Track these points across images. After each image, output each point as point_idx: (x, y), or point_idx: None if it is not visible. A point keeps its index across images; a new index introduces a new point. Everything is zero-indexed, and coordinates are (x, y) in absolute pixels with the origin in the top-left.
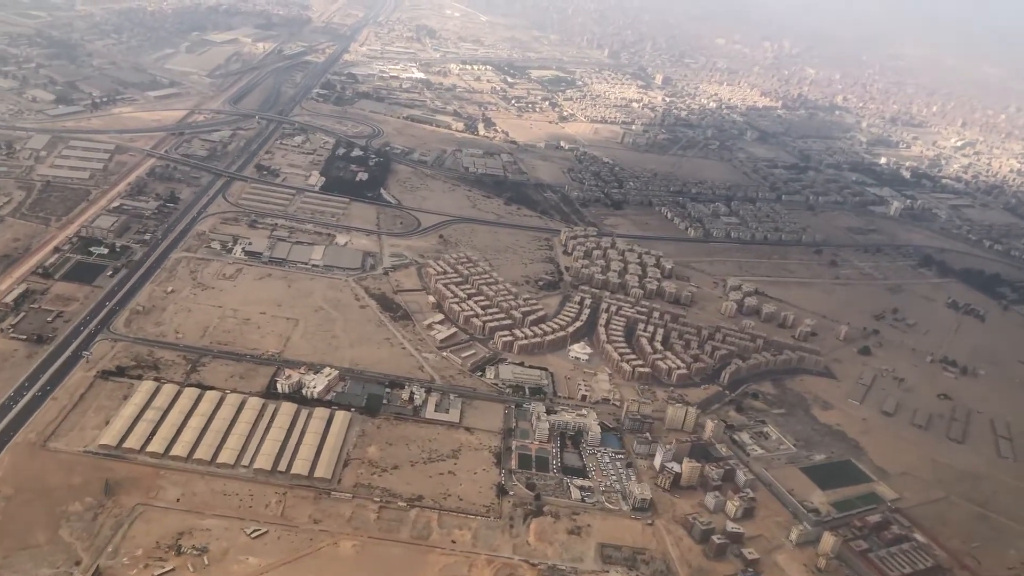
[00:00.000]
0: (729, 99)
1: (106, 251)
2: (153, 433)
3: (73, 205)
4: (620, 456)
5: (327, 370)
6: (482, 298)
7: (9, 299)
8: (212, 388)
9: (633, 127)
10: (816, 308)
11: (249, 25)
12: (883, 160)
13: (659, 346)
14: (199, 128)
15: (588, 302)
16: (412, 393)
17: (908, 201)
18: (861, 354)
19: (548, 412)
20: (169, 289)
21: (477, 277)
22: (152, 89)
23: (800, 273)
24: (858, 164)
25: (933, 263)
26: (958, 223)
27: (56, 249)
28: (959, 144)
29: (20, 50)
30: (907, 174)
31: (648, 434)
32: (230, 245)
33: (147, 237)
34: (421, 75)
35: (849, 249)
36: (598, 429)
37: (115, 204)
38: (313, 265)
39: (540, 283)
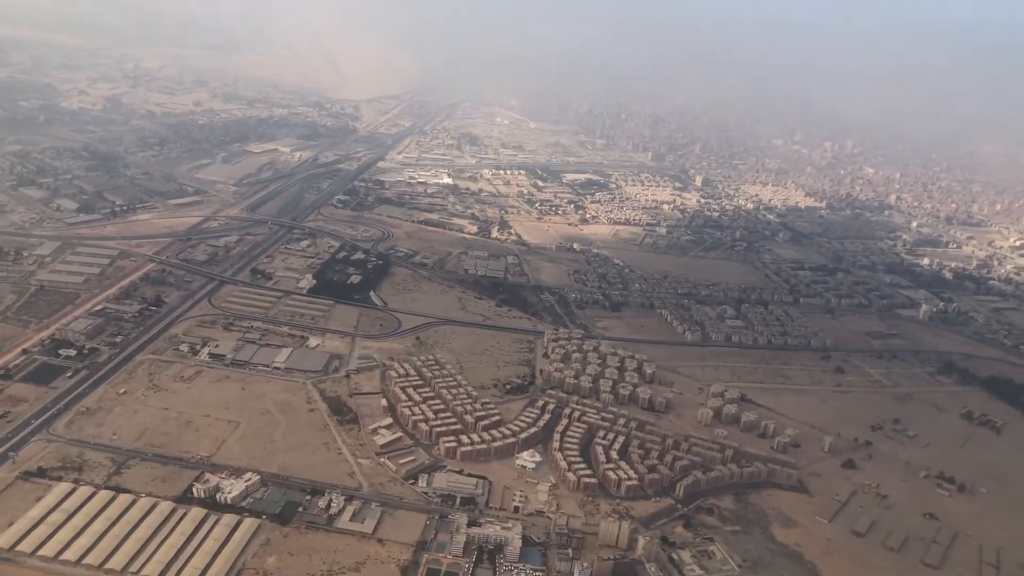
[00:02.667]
0: (770, 200)
1: (74, 353)
2: (51, 536)
3: (59, 308)
4: (539, 573)
5: (248, 475)
6: (438, 402)
7: None
8: (128, 491)
9: (657, 229)
10: (807, 417)
11: (293, 136)
12: (925, 261)
13: (615, 455)
14: (208, 234)
15: (551, 407)
16: (331, 501)
17: (942, 304)
18: (844, 467)
19: (471, 524)
20: (122, 391)
21: (439, 380)
22: (176, 198)
23: (799, 380)
24: (896, 265)
25: (955, 370)
26: (996, 327)
27: (25, 351)
28: (1019, 243)
29: (63, 163)
30: (949, 275)
31: (570, 550)
32: (198, 348)
33: (118, 340)
34: (449, 180)
35: (862, 355)
36: (519, 543)
37: (99, 307)
38: (274, 368)
39: (507, 387)
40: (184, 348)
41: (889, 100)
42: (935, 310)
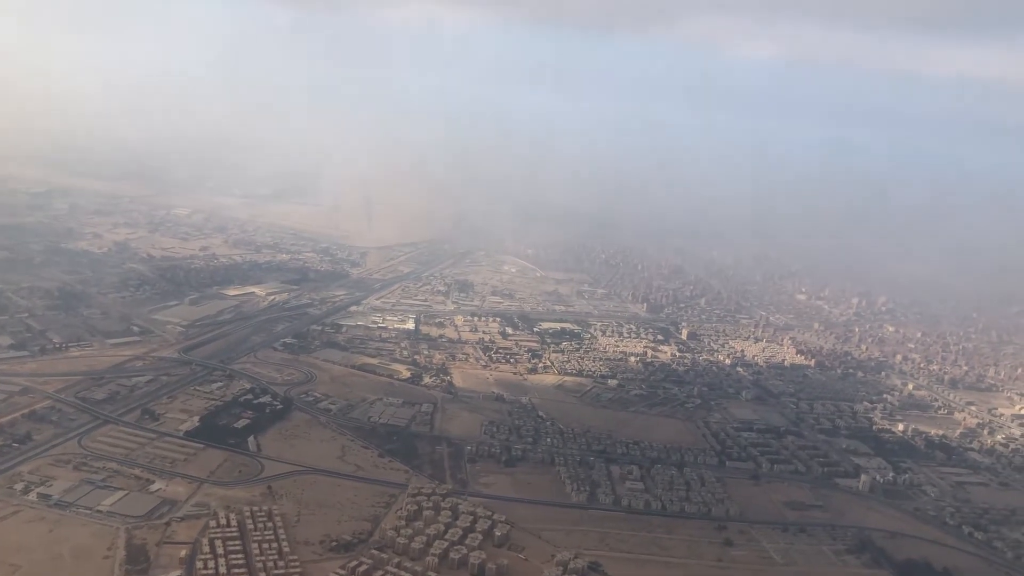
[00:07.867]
0: (753, 356)
1: None
2: None
3: None
4: None
5: None
6: (240, 556)
7: None
8: None
9: (608, 381)
10: None
11: (279, 280)
12: (900, 427)
13: None
14: (123, 373)
15: (363, 569)
16: None
17: (891, 475)
18: None
19: None
20: None
21: (256, 533)
22: (119, 337)
23: (676, 551)
24: (862, 430)
25: (869, 549)
26: (945, 503)
27: None
28: (1023, 411)
29: (30, 302)
30: (920, 443)
31: None
32: (33, 487)
33: None
34: (411, 326)
35: (767, 527)
36: None
37: None
38: (97, 511)
39: (334, 544)
40: (19, 487)
41: (949, 258)
42: (881, 481)
